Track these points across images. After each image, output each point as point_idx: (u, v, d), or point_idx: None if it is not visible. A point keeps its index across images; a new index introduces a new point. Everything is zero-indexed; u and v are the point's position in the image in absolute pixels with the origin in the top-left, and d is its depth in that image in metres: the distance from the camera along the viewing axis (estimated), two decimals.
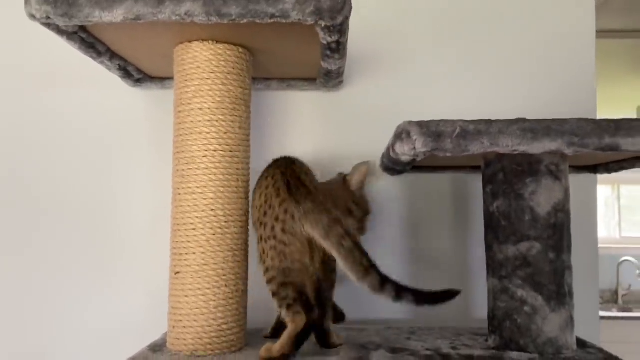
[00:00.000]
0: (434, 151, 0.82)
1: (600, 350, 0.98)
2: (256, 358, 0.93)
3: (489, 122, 0.83)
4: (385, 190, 1.31)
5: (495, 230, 1.00)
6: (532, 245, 0.96)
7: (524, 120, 0.83)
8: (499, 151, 0.83)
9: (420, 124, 0.83)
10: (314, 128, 1.32)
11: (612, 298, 4.82)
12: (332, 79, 1.20)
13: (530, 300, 0.96)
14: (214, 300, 0.97)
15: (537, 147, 0.82)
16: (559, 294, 0.96)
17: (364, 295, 1.29)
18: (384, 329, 1.15)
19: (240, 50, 1.03)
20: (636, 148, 0.80)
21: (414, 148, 0.83)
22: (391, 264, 1.30)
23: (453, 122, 0.83)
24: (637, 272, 4.59)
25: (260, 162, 1.30)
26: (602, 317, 4.39)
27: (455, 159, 1.08)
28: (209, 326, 0.96)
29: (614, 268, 4.77)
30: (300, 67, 1.18)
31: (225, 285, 0.98)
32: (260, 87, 1.27)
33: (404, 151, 0.85)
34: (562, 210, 0.97)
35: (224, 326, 0.98)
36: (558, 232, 0.97)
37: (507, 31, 1.33)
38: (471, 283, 1.29)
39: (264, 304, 1.26)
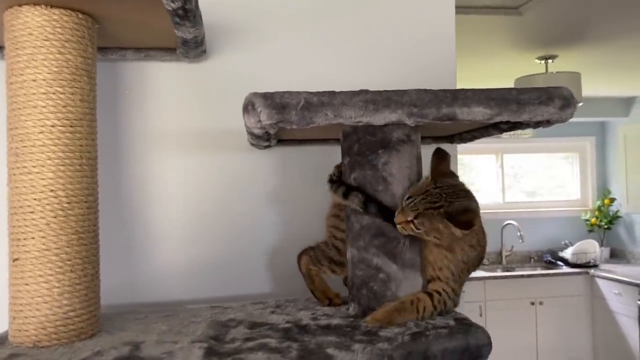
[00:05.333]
0: (280, 123, 0.81)
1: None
2: (109, 343, 0.89)
3: (332, 94, 0.82)
4: (253, 165, 1.29)
5: None
6: None
7: (366, 91, 0.83)
8: (344, 123, 0.83)
9: (265, 96, 0.81)
10: (177, 101, 1.26)
11: (497, 259, 5.20)
12: (191, 49, 1.15)
13: (385, 268, 0.98)
14: (58, 287, 0.90)
15: (379, 119, 0.83)
16: (412, 260, 0.99)
17: (236, 272, 1.28)
18: (250, 305, 1.14)
19: (80, 16, 0.94)
20: (471, 117, 0.84)
21: (260, 120, 0.81)
22: (259, 238, 1.29)
23: (298, 93, 0.81)
24: (519, 234, 4.98)
25: (118, 138, 1.23)
26: (488, 277, 4.74)
27: (320, 132, 1.08)
28: (54, 314, 0.90)
29: (499, 231, 5.13)
30: (156, 35, 1.11)
31: (71, 271, 0.92)
32: (115, 57, 1.18)
33: (251, 123, 0.83)
34: (414, 180, 1.00)
35: (71, 313, 0.91)
36: None
37: (370, 6, 1.34)
38: None
39: (128, 285, 1.22)
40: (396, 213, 0.94)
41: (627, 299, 4.31)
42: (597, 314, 4.70)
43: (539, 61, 3.80)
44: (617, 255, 5.23)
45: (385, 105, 0.82)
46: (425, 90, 0.84)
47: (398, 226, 0.94)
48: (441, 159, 0.93)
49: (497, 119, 0.85)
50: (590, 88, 4.61)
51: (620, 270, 4.61)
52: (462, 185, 0.94)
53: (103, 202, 1.20)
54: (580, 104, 3.80)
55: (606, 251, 5.18)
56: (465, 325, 0.92)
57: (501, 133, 1.03)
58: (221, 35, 1.27)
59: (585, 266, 4.83)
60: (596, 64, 3.93)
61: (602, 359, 4.68)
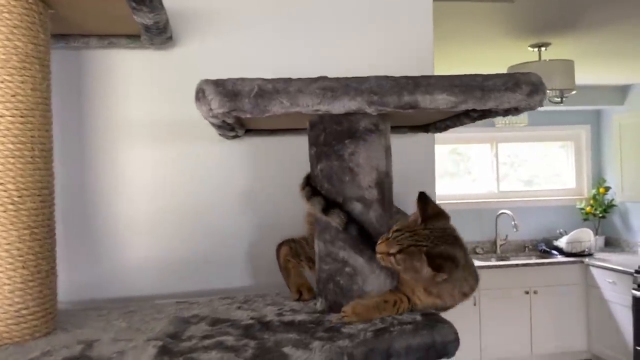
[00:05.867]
0: (233, 112, 0.77)
1: None
2: (62, 342, 0.86)
3: (288, 81, 0.78)
4: (223, 156, 1.25)
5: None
6: (353, 206, 0.95)
7: (324, 78, 0.79)
8: (301, 111, 0.79)
9: (216, 83, 0.77)
10: (144, 90, 1.22)
11: (491, 248, 5.17)
12: (155, 35, 1.10)
13: (351, 262, 0.95)
14: (9, 284, 0.87)
15: (338, 107, 0.79)
16: None
17: (207, 266, 1.25)
18: (218, 300, 1.11)
19: (30, 0, 0.90)
20: (434, 105, 0.80)
21: (211, 109, 0.77)
22: (230, 231, 1.25)
23: (251, 80, 0.78)
24: (513, 223, 4.95)
25: (84, 129, 1.20)
26: (482, 267, 4.73)
27: (289, 121, 1.04)
28: (5, 313, 0.87)
29: (493, 221, 5.10)
30: (118, 22, 1.06)
31: (23, 267, 0.88)
32: (78, 45, 1.14)
33: (203, 112, 0.79)
34: (382, 170, 0.97)
35: (24, 311, 0.88)
36: (378, 191, 0.96)
37: None
38: None
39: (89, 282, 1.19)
40: (379, 241, 0.90)
41: (622, 288, 4.29)
42: (592, 302, 4.69)
43: (532, 49, 3.74)
44: (611, 244, 5.20)
45: (344, 92, 0.78)
46: (386, 77, 0.80)
47: (378, 256, 0.90)
48: (425, 203, 0.88)
49: (462, 107, 0.81)
50: (585, 76, 4.55)
51: (614, 259, 4.59)
52: (452, 230, 0.89)
53: (68, 195, 1.17)
54: (574, 92, 3.75)
55: (601, 240, 5.16)
56: (431, 320, 0.88)
57: (473, 122, 0.99)
58: (188, 21, 1.23)
59: (579, 255, 4.81)
60: (590, 51, 3.88)
61: (596, 348, 4.67)
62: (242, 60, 1.25)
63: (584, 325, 4.74)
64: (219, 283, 1.25)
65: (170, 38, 1.16)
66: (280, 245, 1.11)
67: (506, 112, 0.87)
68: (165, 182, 1.23)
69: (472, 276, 0.90)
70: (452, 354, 0.86)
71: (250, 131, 1.19)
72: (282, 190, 1.27)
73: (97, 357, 0.78)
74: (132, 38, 1.15)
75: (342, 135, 0.94)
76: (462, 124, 1.04)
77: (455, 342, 0.85)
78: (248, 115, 0.77)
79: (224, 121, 0.85)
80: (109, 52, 1.20)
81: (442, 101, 0.79)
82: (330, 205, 0.93)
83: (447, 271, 0.83)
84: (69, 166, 1.18)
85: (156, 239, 1.23)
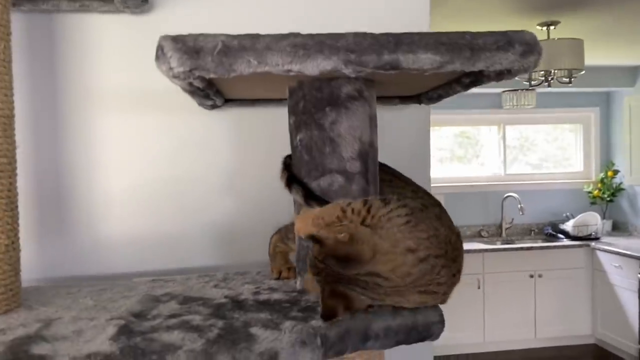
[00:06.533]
0: (195, 71, 0.70)
1: None
2: (21, 320, 0.81)
3: (255, 37, 0.71)
4: (204, 128, 1.19)
5: (299, 165, 0.91)
6: (334, 179, 0.88)
7: (295, 34, 0.72)
8: (272, 71, 0.72)
9: (176, 39, 0.71)
10: (120, 57, 1.15)
11: (497, 232, 5.10)
12: None
13: None
14: None
15: (312, 67, 0.72)
16: None
17: (185, 244, 1.19)
18: (196, 278, 1.05)
19: None
20: (418, 65, 0.72)
21: (171, 67, 0.70)
22: (209, 207, 1.20)
23: (215, 36, 0.71)
24: (519, 206, 4.87)
25: (56, 98, 1.13)
26: (487, 250, 4.65)
27: (269, 89, 0.98)
28: None
29: (499, 204, 5.03)
30: None
31: None
32: (47, 7, 1.07)
33: (163, 71, 0.73)
34: (366, 141, 0.90)
35: None
36: (361, 163, 0.89)
37: None
38: None
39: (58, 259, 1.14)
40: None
41: (628, 272, 4.22)
42: (597, 287, 4.62)
43: (540, 27, 3.63)
44: (619, 228, 5.12)
45: (317, 50, 0.71)
46: (364, 34, 0.73)
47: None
48: None
49: (449, 68, 0.73)
50: (595, 56, 4.42)
51: (621, 243, 4.50)
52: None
53: (40, 168, 1.12)
54: (583, 72, 3.64)
55: (608, 224, 5.07)
56: None
57: (465, 89, 0.92)
58: None
59: (586, 239, 4.73)
60: (601, 30, 3.75)
61: (601, 332, 4.61)
62: (224, 25, 1.18)
63: (589, 309, 4.68)
64: (200, 261, 1.19)
65: (145, 1, 1.09)
66: (273, 235, 1.05)
67: (498, 76, 0.80)
68: (143, 154, 1.17)
69: (429, 297, 0.79)
70: (437, 337, 0.79)
71: (231, 101, 1.12)
72: (267, 164, 1.20)
73: (52, 336, 0.73)
74: (105, 1, 1.08)
75: (322, 102, 0.87)
76: (454, 93, 0.97)
77: (440, 323, 0.79)
78: (212, 75, 0.71)
79: (191, 84, 0.78)
80: (82, 16, 1.13)
81: (426, 61, 0.72)
82: (291, 179, 0.87)
83: (340, 314, 0.73)
84: (40, 137, 1.12)
85: (135, 214, 1.17)
